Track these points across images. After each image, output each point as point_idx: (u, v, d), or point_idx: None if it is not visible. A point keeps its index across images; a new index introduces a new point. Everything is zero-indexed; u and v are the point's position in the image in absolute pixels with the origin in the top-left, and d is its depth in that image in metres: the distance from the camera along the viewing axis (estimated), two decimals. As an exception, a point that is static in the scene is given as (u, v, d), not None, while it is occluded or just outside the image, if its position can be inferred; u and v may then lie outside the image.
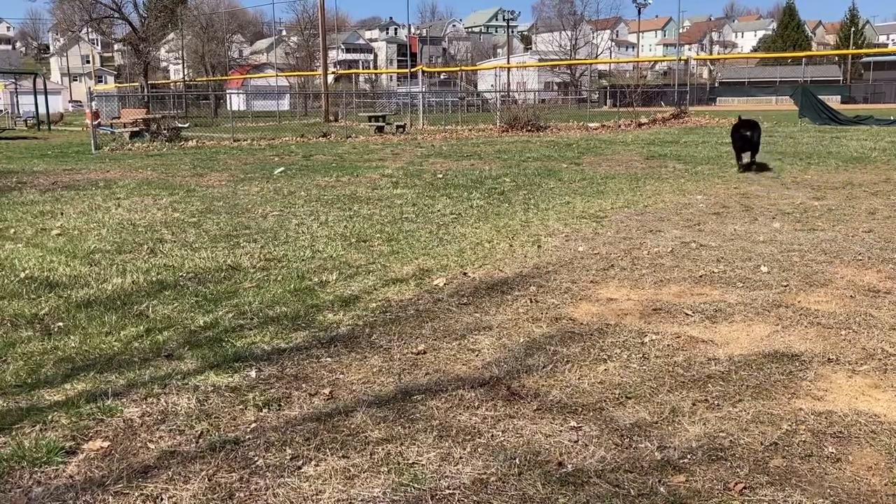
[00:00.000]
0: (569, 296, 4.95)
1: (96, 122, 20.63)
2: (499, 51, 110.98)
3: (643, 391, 3.37)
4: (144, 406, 3.26)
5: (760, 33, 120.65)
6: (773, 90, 70.90)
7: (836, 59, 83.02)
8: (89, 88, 31.58)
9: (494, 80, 65.44)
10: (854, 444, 2.87)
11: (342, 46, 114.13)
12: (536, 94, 41.97)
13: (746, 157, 12.44)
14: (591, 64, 79.81)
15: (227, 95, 48.67)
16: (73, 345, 4.04)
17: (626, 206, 8.71)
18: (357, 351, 3.94)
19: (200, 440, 2.94)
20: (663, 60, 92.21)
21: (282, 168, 14.03)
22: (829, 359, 3.75)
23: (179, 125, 24.87)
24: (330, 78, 49.33)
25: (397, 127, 27.39)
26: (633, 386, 3.43)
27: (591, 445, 2.86)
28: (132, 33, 48.88)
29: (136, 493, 2.56)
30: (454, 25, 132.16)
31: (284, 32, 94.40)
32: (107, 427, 3.06)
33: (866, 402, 3.25)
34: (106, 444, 2.91)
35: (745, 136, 12.29)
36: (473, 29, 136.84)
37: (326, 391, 3.40)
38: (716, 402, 3.24)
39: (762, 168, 12.43)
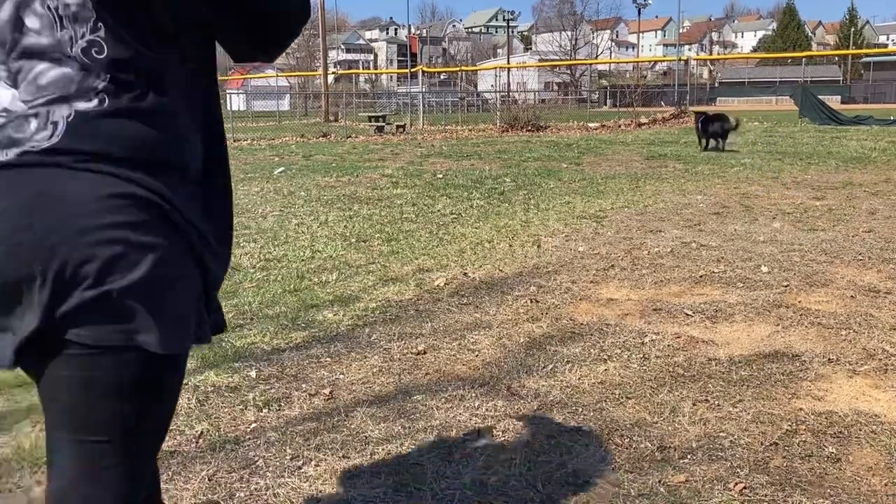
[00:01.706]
0: (569, 296, 4.95)
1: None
2: (499, 51, 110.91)
3: (643, 391, 3.37)
4: (144, 406, 3.25)
5: (760, 33, 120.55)
6: (773, 90, 70.80)
7: (836, 59, 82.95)
8: (89, 88, 31.47)
9: (494, 81, 65.38)
10: (854, 444, 2.87)
11: (342, 46, 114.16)
12: (536, 94, 41.98)
13: (713, 143, 16.28)
14: (591, 64, 79.78)
15: (227, 95, 48.60)
16: (73, 345, 4.03)
17: (627, 206, 8.71)
18: (357, 351, 3.94)
19: (200, 440, 2.94)
20: (663, 60, 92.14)
21: (282, 168, 14.03)
22: (829, 359, 3.75)
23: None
24: (330, 78, 49.33)
25: (397, 127, 27.38)
26: (634, 386, 3.43)
27: (591, 445, 2.86)
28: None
29: (136, 493, 2.56)
30: (454, 26, 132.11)
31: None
32: (107, 427, 3.06)
33: (867, 402, 3.25)
34: (106, 444, 2.90)
35: (714, 132, 16.20)
36: (473, 29, 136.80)
37: (326, 391, 3.40)
38: (716, 402, 3.24)
39: (730, 151, 15.74)
